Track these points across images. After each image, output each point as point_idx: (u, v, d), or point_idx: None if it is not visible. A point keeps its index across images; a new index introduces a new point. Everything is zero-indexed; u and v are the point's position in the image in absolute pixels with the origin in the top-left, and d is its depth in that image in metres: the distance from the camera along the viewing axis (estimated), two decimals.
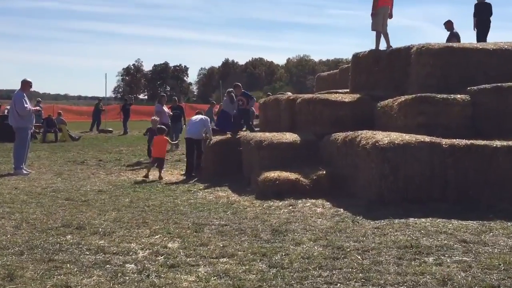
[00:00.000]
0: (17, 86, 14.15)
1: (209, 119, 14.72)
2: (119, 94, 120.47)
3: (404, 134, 9.17)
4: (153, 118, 16.42)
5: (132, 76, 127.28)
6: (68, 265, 5.78)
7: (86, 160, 16.54)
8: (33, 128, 25.50)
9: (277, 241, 6.75)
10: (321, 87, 18.84)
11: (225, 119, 15.01)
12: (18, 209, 8.85)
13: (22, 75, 13.77)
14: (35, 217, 8.20)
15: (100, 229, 7.39)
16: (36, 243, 6.66)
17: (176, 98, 24.29)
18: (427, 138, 8.96)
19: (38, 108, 14.95)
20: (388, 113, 10.87)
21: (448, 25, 16.54)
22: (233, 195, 10.36)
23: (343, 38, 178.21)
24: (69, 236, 7.04)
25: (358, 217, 7.94)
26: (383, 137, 8.98)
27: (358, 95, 12.17)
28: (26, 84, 13.97)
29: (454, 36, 15.88)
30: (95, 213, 8.60)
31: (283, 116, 13.36)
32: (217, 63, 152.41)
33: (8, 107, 22.69)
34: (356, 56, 14.09)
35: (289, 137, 11.33)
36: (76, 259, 5.99)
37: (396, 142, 8.74)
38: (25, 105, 13.50)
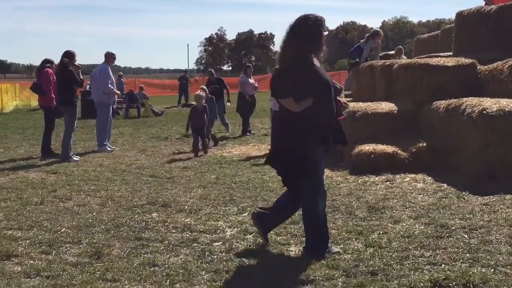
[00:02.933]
0: (97, 60, 14.72)
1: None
2: (201, 66, 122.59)
3: None
4: (197, 93, 14.15)
5: (215, 46, 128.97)
6: (154, 243, 6.01)
7: (169, 136, 16.98)
8: (116, 104, 26.59)
9: (373, 218, 6.70)
10: (420, 51, 18.36)
11: None
12: (103, 186, 9.24)
13: (102, 49, 14.38)
14: (120, 195, 8.54)
15: (186, 207, 7.61)
16: (122, 221, 6.95)
17: (212, 70, 21.89)
18: None
19: (118, 93, 15.37)
20: (497, 78, 10.43)
21: None
22: (325, 170, 10.33)
23: None
24: (155, 214, 7.29)
25: (463, 193, 7.74)
26: (492, 104, 8.65)
27: (462, 59, 11.73)
28: (109, 57, 14.45)
29: None
30: (181, 190, 8.84)
31: (378, 84, 13.12)
32: None
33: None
34: (460, 15, 13.59)
35: (385, 106, 11.13)
36: (163, 237, 6.21)
37: (506, 109, 8.41)
38: (108, 83, 13.98)
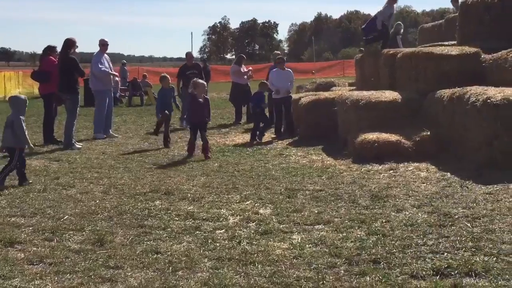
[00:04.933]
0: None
1: (291, 72, 14.59)
2: (205, 55, 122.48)
3: None
4: (197, 79, 11.83)
5: (219, 35, 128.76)
6: (157, 230, 6.02)
7: (172, 124, 16.93)
8: (119, 92, 26.54)
9: (376, 207, 6.70)
10: (424, 40, 18.27)
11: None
12: (106, 174, 9.24)
13: (103, 37, 14.13)
14: (123, 182, 8.55)
15: (189, 195, 7.61)
16: (124, 208, 6.96)
17: (191, 53, 18.59)
18: None
19: (116, 74, 15.04)
20: (501, 67, 10.38)
21: None
22: (328, 158, 10.33)
23: None
24: (158, 202, 7.29)
25: (467, 182, 7.72)
26: (496, 93, 8.61)
27: (466, 48, 11.69)
28: (100, 45, 14.43)
29: None
30: (184, 178, 8.85)
31: (382, 72, 13.08)
32: (309, 18, 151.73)
33: None
34: (464, 4, 13.51)
35: (389, 95, 11.09)
36: (166, 225, 6.22)
37: (510, 98, 8.35)
38: (99, 66, 14.01)
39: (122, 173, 9.35)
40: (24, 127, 8.56)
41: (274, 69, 14.71)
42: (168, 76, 13.50)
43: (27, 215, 6.71)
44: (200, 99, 11.17)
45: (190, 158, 10.77)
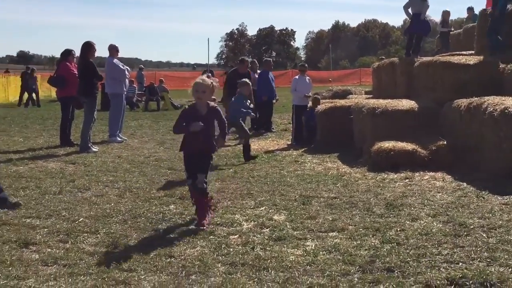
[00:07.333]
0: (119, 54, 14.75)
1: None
2: (222, 61, 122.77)
3: None
4: (200, 80, 6.52)
5: (236, 41, 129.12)
6: (171, 235, 6.02)
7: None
8: (136, 96, 26.69)
9: (391, 215, 6.66)
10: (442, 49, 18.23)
11: None
12: (121, 177, 9.28)
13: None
14: (138, 186, 8.58)
15: None
16: (139, 212, 6.98)
17: (247, 61, 16.10)
18: None
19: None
20: None
21: None
22: (343, 166, 10.31)
23: None
24: (172, 206, 7.31)
25: (483, 192, 7.66)
26: None
27: (484, 57, 11.65)
28: (112, 50, 14.53)
29: None
30: None
31: (399, 81, 13.06)
32: (327, 26, 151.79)
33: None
34: (484, 14, 13.46)
35: (406, 104, 11.06)
36: (180, 229, 6.22)
37: None
38: (122, 68, 14.20)
39: (137, 177, 9.38)
40: None
41: (297, 77, 15.05)
42: (249, 82, 11.77)
43: (42, 217, 6.75)
44: (199, 110, 6.51)
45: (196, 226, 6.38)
